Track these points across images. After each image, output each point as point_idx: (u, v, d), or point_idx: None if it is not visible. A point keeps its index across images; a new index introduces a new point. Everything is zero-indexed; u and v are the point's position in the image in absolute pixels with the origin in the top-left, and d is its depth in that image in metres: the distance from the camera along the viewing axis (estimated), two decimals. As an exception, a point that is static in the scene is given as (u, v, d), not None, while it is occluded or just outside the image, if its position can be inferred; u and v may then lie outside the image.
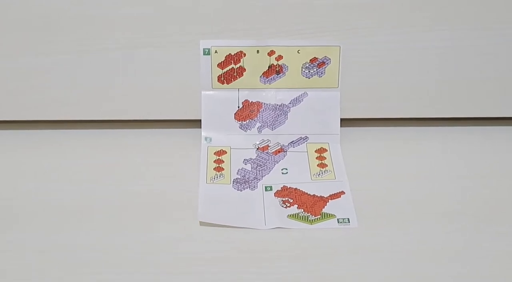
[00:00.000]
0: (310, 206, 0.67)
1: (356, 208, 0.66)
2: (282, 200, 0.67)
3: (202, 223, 0.64)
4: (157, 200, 0.67)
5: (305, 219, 0.65)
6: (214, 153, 0.73)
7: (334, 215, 0.66)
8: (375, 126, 0.78)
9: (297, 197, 0.68)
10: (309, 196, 0.68)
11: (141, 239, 0.63)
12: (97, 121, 0.77)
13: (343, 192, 0.69)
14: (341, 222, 0.65)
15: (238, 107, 0.74)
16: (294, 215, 0.66)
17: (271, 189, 0.69)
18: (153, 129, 0.77)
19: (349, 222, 0.65)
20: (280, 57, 0.72)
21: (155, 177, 0.70)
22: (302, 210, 0.66)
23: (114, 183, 0.69)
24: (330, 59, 0.72)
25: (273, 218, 0.65)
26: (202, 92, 0.73)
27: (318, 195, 0.68)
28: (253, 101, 0.74)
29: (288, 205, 0.67)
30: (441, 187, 0.69)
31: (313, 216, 0.66)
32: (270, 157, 0.73)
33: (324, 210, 0.66)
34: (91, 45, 0.71)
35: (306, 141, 0.74)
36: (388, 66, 0.73)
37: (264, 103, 0.74)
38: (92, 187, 0.69)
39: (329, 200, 0.67)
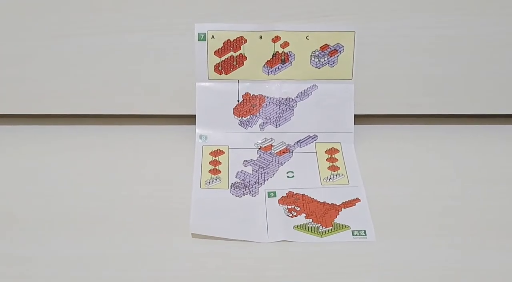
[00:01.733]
0: (320, 215, 0.63)
1: (374, 218, 0.62)
2: (287, 208, 0.63)
3: (194, 235, 0.60)
4: (143, 207, 0.64)
5: (315, 231, 0.61)
6: (210, 153, 0.69)
7: (348, 226, 0.62)
8: (394, 124, 0.75)
9: (305, 204, 0.64)
10: (319, 204, 0.64)
11: (123, 253, 0.59)
12: (76, 117, 0.74)
13: (358, 199, 0.64)
14: (356, 235, 0.61)
15: (238, 101, 0.70)
16: (301, 226, 0.62)
17: (274, 195, 0.65)
18: (140, 126, 0.74)
19: (365, 234, 0.61)
20: (286, 44, 0.68)
21: (142, 180, 0.67)
22: (311, 220, 0.62)
23: (95, 187, 0.66)
24: (343, 46, 0.68)
25: (277, 229, 0.61)
26: (197, 83, 0.69)
27: (329, 203, 0.64)
28: (255, 94, 0.70)
29: (295, 214, 0.63)
30: (472, 193, 0.66)
31: (323, 227, 0.62)
32: (273, 158, 0.69)
33: (336, 220, 0.62)
34: (68, 30, 0.68)
35: (315, 140, 0.71)
36: (411, 55, 0.70)
37: (268, 97, 0.70)
38: (69, 192, 0.66)
39: (342, 209, 0.64)
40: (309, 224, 0.62)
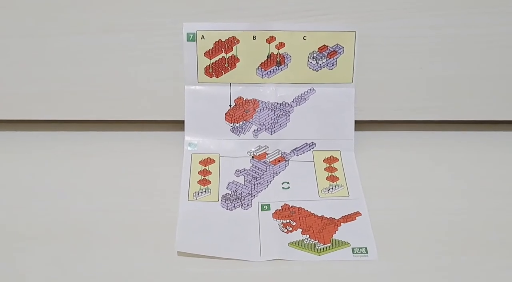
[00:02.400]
0: (317, 230, 0.61)
1: (376, 234, 0.60)
2: (282, 223, 0.62)
3: (180, 253, 0.58)
4: (125, 221, 0.62)
5: (312, 248, 0.59)
6: (200, 162, 0.68)
7: (348, 243, 0.60)
8: (397, 130, 0.74)
9: (301, 218, 0.62)
10: (317, 218, 0.62)
11: (104, 272, 0.57)
12: (54, 122, 0.73)
13: (358, 213, 0.63)
14: (357, 253, 0.59)
15: (230, 106, 0.69)
16: (297, 243, 0.60)
17: (268, 208, 0.63)
18: (124, 133, 0.73)
19: (366, 252, 0.59)
20: (281, 45, 0.67)
21: (125, 191, 0.65)
22: (308, 236, 0.60)
23: (75, 198, 0.65)
24: (343, 47, 0.67)
25: (271, 246, 0.59)
26: (186, 87, 0.68)
27: (328, 217, 0.63)
28: (248, 98, 0.69)
29: (290, 229, 0.61)
30: (480, 207, 0.64)
31: (321, 244, 0.60)
32: (268, 167, 0.68)
33: (335, 236, 0.60)
34: (46, 30, 0.66)
35: (313, 147, 0.69)
36: (416, 57, 0.68)
37: (262, 102, 0.69)
38: (47, 203, 0.64)
39: (342, 223, 0.62)
40: (306, 240, 0.60)
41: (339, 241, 0.60)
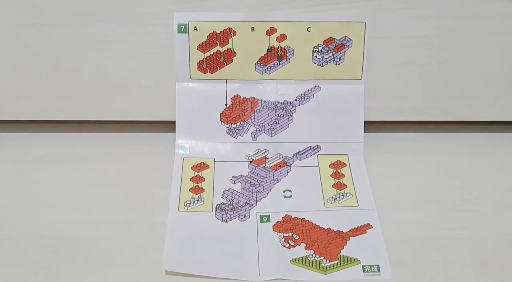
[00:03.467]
0: (323, 245, 0.59)
1: (389, 250, 0.58)
2: (283, 236, 0.60)
3: (169, 273, 0.56)
4: (108, 235, 0.60)
5: (317, 266, 0.57)
6: (192, 167, 0.66)
7: (358, 260, 0.57)
8: (411, 132, 0.73)
9: (305, 231, 0.60)
10: (322, 231, 0.60)
11: None
12: (24, 123, 0.72)
13: (369, 225, 0.61)
14: (367, 271, 0.56)
15: (226, 105, 0.68)
16: (300, 260, 0.58)
17: (268, 220, 0.61)
18: (109, 134, 0.72)
19: (379, 270, 0.56)
20: (283, 37, 0.66)
21: (107, 201, 0.64)
22: (313, 252, 0.58)
23: (50, 209, 0.63)
24: (351, 40, 0.66)
25: (271, 264, 0.57)
26: (177, 84, 0.67)
27: (335, 229, 0.61)
28: (246, 97, 0.68)
29: (293, 243, 0.59)
30: (501, 221, 0.62)
31: (327, 261, 0.57)
32: (268, 173, 0.66)
33: (343, 252, 0.58)
34: (17, 18, 0.65)
35: (318, 151, 0.68)
36: (434, 50, 0.67)
37: (261, 100, 0.68)
38: (23, 214, 0.62)
39: (350, 237, 0.60)
40: (310, 256, 0.58)
41: (347, 257, 0.58)
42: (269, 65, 0.67)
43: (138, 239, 0.59)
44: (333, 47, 0.66)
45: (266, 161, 0.67)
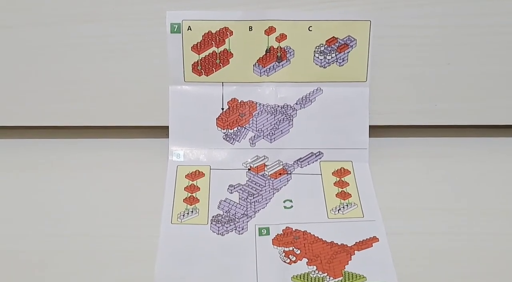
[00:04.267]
0: (326, 261, 0.57)
1: (397, 264, 0.57)
2: (284, 251, 0.58)
3: None
4: (96, 249, 0.59)
5: None
6: (186, 176, 0.65)
7: (364, 277, 0.56)
8: (420, 137, 0.72)
9: (306, 245, 0.59)
10: (325, 245, 0.59)
11: None
12: (17, 128, 0.71)
13: (375, 239, 0.59)
14: None
15: (222, 109, 0.67)
16: (302, 276, 0.56)
17: (267, 233, 0.60)
18: (97, 141, 0.71)
19: None
20: (283, 37, 0.65)
21: (96, 212, 0.62)
22: (315, 268, 0.57)
23: (35, 221, 0.61)
24: (355, 40, 0.65)
25: (271, 280, 0.55)
26: (170, 87, 0.67)
27: (339, 243, 0.59)
28: (244, 100, 0.67)
29: (294, 258, 0.58)
30: None
31: (331, 278, 0.56)
32: (267, 181, 0.65)
33: (348, 268, 0.57)
34: (4, 19, 0.64)
35: (320, 158, 0.67)
36: (442, 51, 0.66)
37: (260, 104, 0.67)
38: (6, 226, 0.60)
39: (356, 251, 0.58)
40: (313, 273, 0.56)
41: (352, 274, 0.57)
42: (268, 66, 0.66)
43: (127, 253, 0.58)
44: (336, 48, 0.65)
45: (265, 169, 0.66)
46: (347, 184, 0.64)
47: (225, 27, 0.64)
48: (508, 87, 0.68)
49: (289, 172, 0.65)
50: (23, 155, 0.69)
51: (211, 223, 0.60)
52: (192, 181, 0.64)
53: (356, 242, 0.58)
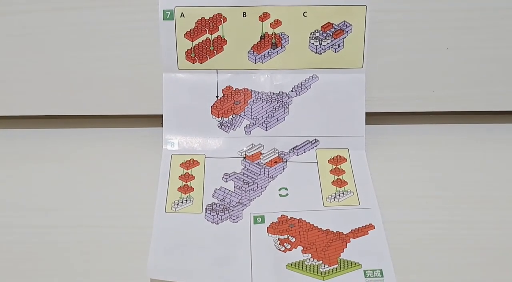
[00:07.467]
0: (322, 248, 0.57)
1: (393, 252, 0.57)
2: (279, 239, 0.58)
3: (154, 281, 0.54)
4: (89, 239, 0.58)
5: (315, 271, 0.55)
6: (181, 164, 0.65)
7: (359, 264, 0.55)
8: (417, 124, 0.71)
9: (302, 233, 0.58)
10: (321, 232, 0.58)
11: None
12: (5, 118, 0.70)
13: (371, 226, 0.59)
14: (370, 276, 0.54)
15: (217, 97, 0.67)
16: (297, 264, 0.56)
17: (262, 221, 0.59)
18: (90, 130, 0.71)
19: (382, 275, 0.54)
20: (277, 23, 0.65)
21: (88, 202, 0.62)
22: (310, 256, 0.56)
23: (24, 211, 0.61)
24: (351, 25, 0.65)
25: (265, 269, 0.55)
26: (164, 75, 0.66)
27: (334, 231, 0.59)
28: (239, 88, 0.67)
29: (288, 246, 0.57)
30: None
31: (326, 266, 0.55)
32: (262, 169, 0.65)
33: (343, 256, 0.56)
34: None
35: (316, 146, 0.67)
36: (441, 35, 0.66)
37: (255, 92, 0.67)
38: None
39: (351, 239, 0.58)
40: (307, 261, 0.56)
41: (348, 261, 0.56)
42: (263, 53, 0.65)
43: (121, 243, 0.57)
44: (331, 33, 0.64)
45: (261, 157, 0.66)
46: (343, 172, 0.64)
47: (218, 14, 0.63)
48: (506, 73, 0.67)
49: (285, 160, 0.65)
50: (14, 145, 0.69)
51: (206, 211, 0.60)
52: (187, 169, 0.64)
53: (351, 230, 0.58)
